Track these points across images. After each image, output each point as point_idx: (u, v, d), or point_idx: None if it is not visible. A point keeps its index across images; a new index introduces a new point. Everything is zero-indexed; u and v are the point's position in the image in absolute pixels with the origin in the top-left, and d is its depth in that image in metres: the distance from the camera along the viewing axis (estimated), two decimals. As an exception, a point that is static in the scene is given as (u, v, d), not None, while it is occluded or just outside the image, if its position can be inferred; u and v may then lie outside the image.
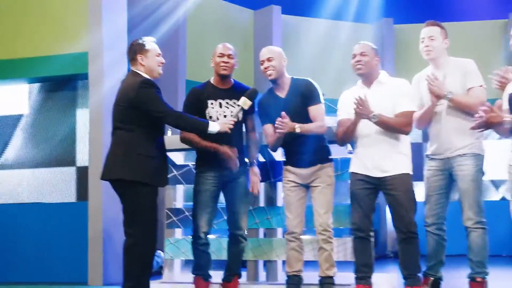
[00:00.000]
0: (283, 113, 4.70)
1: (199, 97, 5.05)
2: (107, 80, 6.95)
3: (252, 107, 4.95)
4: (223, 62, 4.97)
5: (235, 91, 5.03)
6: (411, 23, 10.71)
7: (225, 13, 10.01)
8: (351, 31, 10.68)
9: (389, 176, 4.72)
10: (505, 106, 4.29)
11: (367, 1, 10.96)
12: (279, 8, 10.33)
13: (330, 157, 4.98)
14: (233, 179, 5.02)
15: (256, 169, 5.02)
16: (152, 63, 4.74)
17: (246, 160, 5.13)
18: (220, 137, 4.75)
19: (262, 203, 5.76)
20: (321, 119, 4.88)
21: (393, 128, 4.70)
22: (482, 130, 4.46)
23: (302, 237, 5.03)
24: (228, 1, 10.04)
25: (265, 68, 4.92)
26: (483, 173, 4.84)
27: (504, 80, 4.48)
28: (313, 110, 4.89)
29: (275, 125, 4.74)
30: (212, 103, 4.99)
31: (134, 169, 4.60)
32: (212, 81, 5.08)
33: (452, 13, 10.71)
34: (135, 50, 4.74)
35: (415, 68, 5.10)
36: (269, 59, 4.91)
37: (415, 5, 11.08)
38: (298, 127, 4.74)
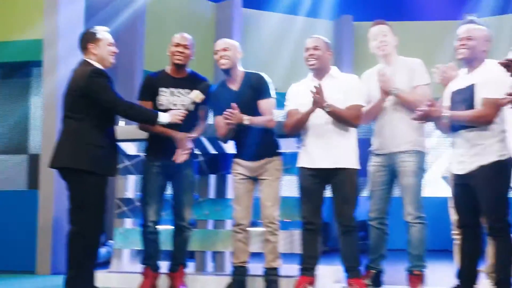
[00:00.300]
0: (233, 104, 4.76)
1: (153, 84, 5.11)
2: (62, 67, 6.91)
3: (204, 102, 4.99)
4: (178, 52, 5.03)
5: (189, 81, 5.08)
6: (370, 21, 10.90)
7: (186, 4, 10.04)
8: (311, 27, 10.76)
9: (338, 168, 4.80)
10: (446, 102, 4.49)
11: None
12: (239, 1, 10.39)
13: (279, 151, 5.06)
14: (179, 170, 5.06)
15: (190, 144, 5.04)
16: (103, 52, 4.77)
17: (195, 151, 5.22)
18: (170, 127, 4.83)
19: (211, 194, 5.84)
20: (270, 113, 4.96)
21: (344, 119, 4.78)
22: (423, 123, 4.65)
23: (252, 229, 5.10)
24: None
25: (220, 57, 4.98)
26: (424, 170, 4.98)
27: (446, 75, 4.67)
28: (263, 104, 4.97)
29: (223, 115, 4.80)
30: (163, 91, 5.05)
31: (82, 158, 4.62)
32: (167, 70, 5.15)
33: (409, 12, 10.89)
34: (86, 39, 4.78)
35: (373, 65, 5.23)
36: (224, 49, 4.99)
37: (374, 3, 11.18)
38: (246, 119, 4.81)
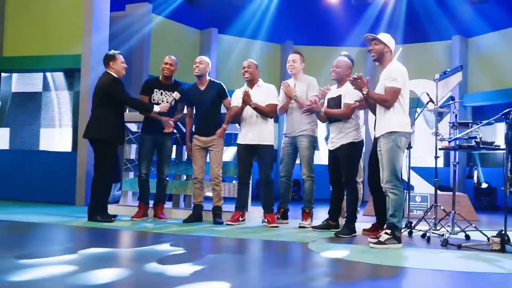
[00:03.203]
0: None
1: (150, 86, 5.56)
2: (93, 73, 7.19)
3: (181, 100, 5.42)
4: (166, 67, 5.52)
5: (172, 87, 5.52)
6: (306, 45, 10.85)
7: (179, 30, 10.02)
8: (265, 48, 10.86)
9: (260, 144, 5.21)
10: (325, 104, 5.00)
11: (277, 26, 10.93)
12: (216, 29, 10.45)
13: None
14: (163, 141, 5.50)
15: (170, 122, 5.37)
16: (119, 67, 5.26)
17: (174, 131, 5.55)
18: (160, 114, 5.32)
19: (184, 158, 6.19)
20: (230, 105, 5.37)
21: (264, 113, 5.21)
22: (308, 114, 5.13)
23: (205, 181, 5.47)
24: (182, 23, 10.07)
25: (195, 67, 5.39)
26: (314, 147, 5.39)
27: (323, 92, 5.12)
28: (227, 101, 5.40)
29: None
30: (156, 91, 5.52)
31: (103, 132, 5.12)
32: (160, 78, 5.59)
33: (336, 38, 10.78)
34: (108, 59, 5.27)
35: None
36: (200, 62, 5.40)
37: (309, 32, 11.14)
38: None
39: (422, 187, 7.16)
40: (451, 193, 5.04)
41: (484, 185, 9.17)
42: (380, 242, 4.03)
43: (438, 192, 7.17)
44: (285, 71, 10.56)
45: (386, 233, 4.07)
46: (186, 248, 3.96)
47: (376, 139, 4.41)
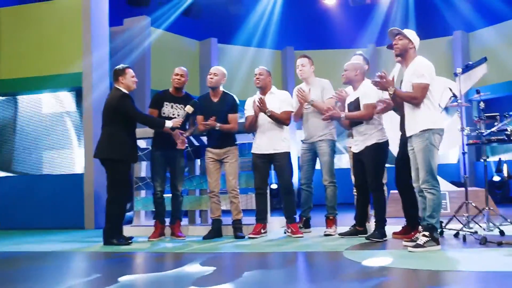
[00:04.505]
0: (212, 118, 5.00)
1: (160, 99, 5.33)
2: (95, 91, 7.07)
3: (194, 113, 5.18)
4: (177, 79, 5.28)
5: (184, 99, 5.30)
6: (306, 49, 10.50)
7: (179, 42, 9.81)
8: (264, 55, 10.59)
9: (277, 153, 5.06)
10: (346, 109, 4.84)
11: (277, 33, 10.88)
12: (216, 39, 10.24)
13: (236, 142, 5.26)
14: (174, 157, 5.28)
15: (183, 138, 5.18)
16: (129, 81, 5.04)
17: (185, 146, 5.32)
18: (172, 129, 5.08)
19: (197, 172, 6.04)
20: (235, 123, 5.18)
21: (279, 120, 5.06)
22: (329, 122, 5.03)
23: (221, 194, 5.26)
24: (181, 34, 9.93)
25: (209, 78, 5.20)
26: (334, 151, 5.27)
27: (341, 96, 4.97)
28: (231, 116, 5.17)
29: (201, 123, 5.07)
30: (166, 104, 5.29)
31: (115, 151, 4.90)
32: (170, 90, 5.35)
33: (333, 42, 10.72)
34: (118, 74, 5.04)
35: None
36: (214, 74, 5.20)
37: (308, 38, 11.07)
38: (218, 126, 5.03)
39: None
40: (466, 188, 4.88)
41: (496, 178, 9.03)
42: (418, 245, 3.85)
43: (453, 188, 7.10)
44: (287, 77, 10.86)
45: (424, 235, 3.89)
46: (217, 266, 3.70)
47: (403, 139, 4.25)
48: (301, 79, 5.36)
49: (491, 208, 4.70)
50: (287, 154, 5.13)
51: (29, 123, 7.91)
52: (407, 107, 4.05)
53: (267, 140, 5.10)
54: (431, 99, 3.95)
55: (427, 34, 10.28)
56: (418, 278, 3.05)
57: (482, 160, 4.84)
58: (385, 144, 4.72)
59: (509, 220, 4.64)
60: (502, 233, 4.51)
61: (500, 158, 7.56)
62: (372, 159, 4.64)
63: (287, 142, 5.17)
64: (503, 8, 9.65)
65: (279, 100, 5.14)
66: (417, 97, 3.91)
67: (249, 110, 5.22)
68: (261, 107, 5.02)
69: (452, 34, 10.55)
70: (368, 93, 4.61)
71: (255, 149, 5.19)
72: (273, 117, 5.05)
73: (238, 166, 5.24)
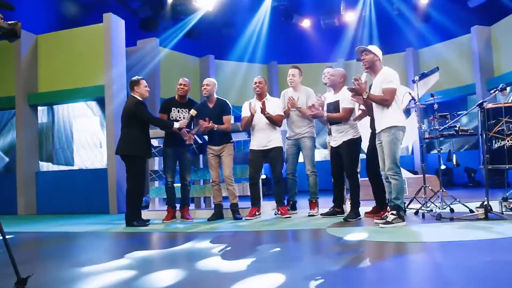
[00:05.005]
0: (207, 119, 4.95)
1: (168, 105, 5.23)
2: (115, 100, 7.01)
3: (196, 116, 5.09)
4: (180, 88, 5.19)
5: (188, 104, 5.21)
6: (288, 63, 10.42)
7: (183, 59, 9.80)
8: (253, 68, 10.49)
9: (270, 148, 4.97)
10: (325, 108, 4.76)
11: (263, 50, 10.85)
12: (213, 56, 10.20)
13: (232, 140, 5.19)
14: (182, 153, 5.19)
15: (191, 135, 5.10)
16: (142, 90, 4.94)
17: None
18: (179, 129, 4.99)
19: (201, 165, 5.96)
20: (228, 123, 5.10)
21: (274, 121, 4.96)
22: (312, 120, 4.92)
23: (221, 183, 5.17)
24: (185, 52, 9.86)
25: (204, 88, 5.14)
26: (315, 146, 5.16)
27: (320, 101, 4.85)
28: (225, 118, 5.10)
29: (202, 125, 4.99)
30: (174, 109, 5.20)
31: (132, 148, 4.81)
32: (176, 97, 5.25)
33: (309, 57, 10.66)
34: (133, 84, 4.95)
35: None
36: (207, 85, 5.13)
37: (290, 53, 11.02)
38: (216, 127, 4.99)
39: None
40: (421, 175, 4.82)
41: (443, 167, 9.07)
42: (387, 222, 3.79)
43: (410, 175, 7.08)
44: (272, 86, 10.76)
45: (392, 213, 3.84)
46: (221, 243, 3.57)
47: (374, 134, 4.18)
48: (290, 86, 5.21)
49: (444, 190, 4.65)
50: (280, 149, 5.05)
51: (64, 127, 7.98)
52: (376, 108, 3.98)
53: (264, 138, 5.02)
54: (397, 101, 3.89)
55: (384, 50, 10.34)
56: (390, 249, 2.99)
57: (437, 152, 4.79)
58: (359, 139, 4.65)
59: (457, 200, 4.61)
60: (452, 210, 4.47)
61: (450, 150, 7.59)
62: (348, 152, 4.57)
63: (279, 139, 5.10)
64: (445, 30, 9.78)
65: (274, 106, 5.06)
66: (388, 100, 3.85)
67: (245, 112, 5.10)
68: (262, 109, 4.92)
69: (404, 50, 10.59)
70: (347, 98, 4.54)
71: (253, 146, 5.07)
72: (270, 118, 4.97)
73: (232, 159, 5.14)
